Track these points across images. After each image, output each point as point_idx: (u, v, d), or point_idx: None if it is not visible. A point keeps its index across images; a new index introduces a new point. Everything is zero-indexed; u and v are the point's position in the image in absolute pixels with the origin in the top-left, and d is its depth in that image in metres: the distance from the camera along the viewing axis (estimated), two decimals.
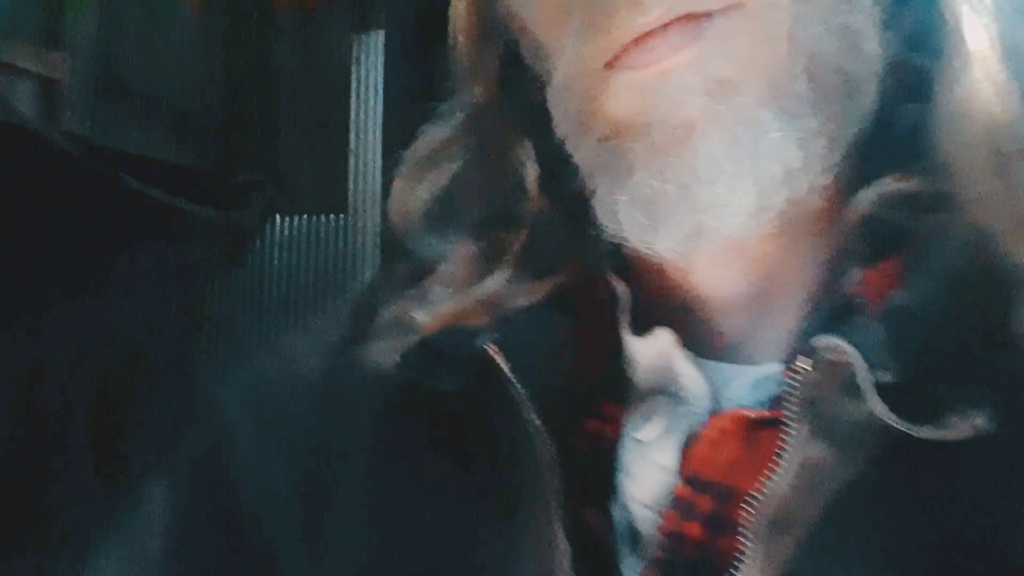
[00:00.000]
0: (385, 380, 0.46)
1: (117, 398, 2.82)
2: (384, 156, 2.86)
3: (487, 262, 0.46)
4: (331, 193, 2.96)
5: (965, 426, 0.37)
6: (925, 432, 0.37)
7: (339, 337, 0.50)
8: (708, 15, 0.40)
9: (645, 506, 0.43)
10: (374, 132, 2.93)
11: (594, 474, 0.44)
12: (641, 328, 0.45)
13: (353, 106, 2.96)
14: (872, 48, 0.42)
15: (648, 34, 0.40)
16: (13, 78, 2.43)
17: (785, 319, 0.43)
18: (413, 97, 2.67)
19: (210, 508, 0.51)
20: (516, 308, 0.45)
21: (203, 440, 0.52)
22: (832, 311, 0.41)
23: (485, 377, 0.43)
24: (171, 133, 2.88)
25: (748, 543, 0.39)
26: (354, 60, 2.96)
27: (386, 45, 2.91)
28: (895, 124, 0.43)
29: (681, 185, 0.40)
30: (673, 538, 0.41)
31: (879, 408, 0.37)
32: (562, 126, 0.44)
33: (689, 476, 0.42)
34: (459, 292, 0.46)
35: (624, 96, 0.41)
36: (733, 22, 0.40)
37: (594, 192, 0.43)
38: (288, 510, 0.48)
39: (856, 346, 0.38)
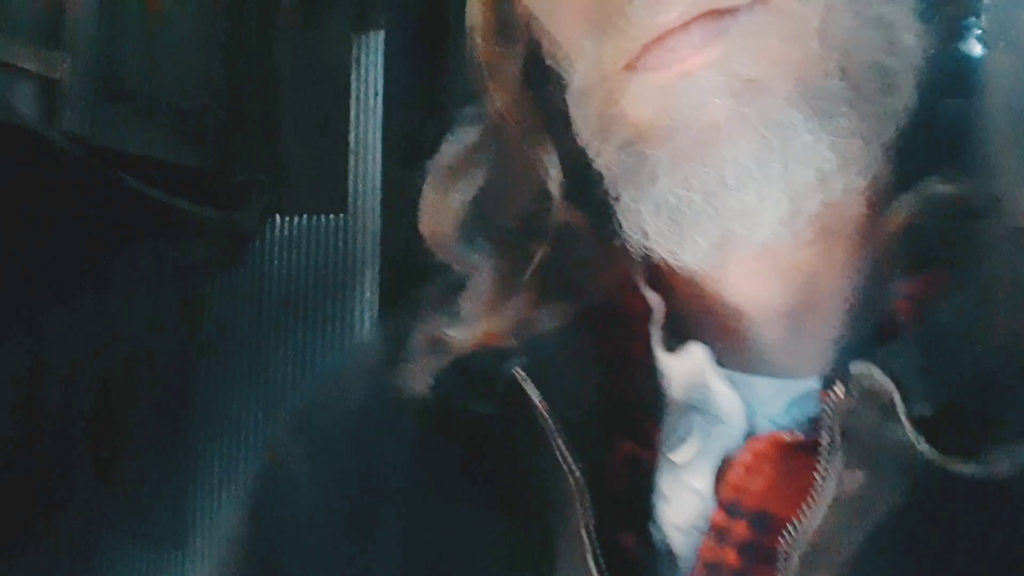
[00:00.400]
0: (420, 404, 0.45)
1: (117, 398, 2.82)
2: (384, 156, 2.86)
3: (515, 275, 0.45)
4: (331, 193, 2.96)
5: (1013, 462, 0.34)
6: (970, 469, 0.35)
7: (376, 362, 0.49)
8: (732, 11, 0.37)
9: (681, 531, 0.41)
10: (374, 132, 2.93)
11: (630, 497, 0.42)
12: (673, 343, 0.43)
13: (353, 106, 2.96)
14: (909, 41, 0.39)
15: (669, 33, 0.38)
16: (13, 78, 2.42)
17: (823, 331, 0.41)
18: (413, 97, 2.68)
19: (256, 538, 0.50)
20: (545, 327, 0.43)
21: (252, 472, 0.53)
22: (872, 326, 0.39)
23: (514, 402, 0.42)
24: (171, 133, 2.88)
25: (784, 574, 0.37)
26: (354, 60, 2.96)
27: (386, 45, 2.91)
28: (936, 122, 0.40)
29: (707, 192, 0.38)
30: (709, 565, 0.40)
31: (919, 442, 0.35)
32: (583, 131, 0.42)
33: (724, 502, 0.40)
34: (488, 310, 0.44)
35: (645, 99, 0.39)
36: (759, 18, 0.37)
37: (618, 200, 0.41)
38: (331, 537, 0.48)
39: (896, 370, 0.36)
